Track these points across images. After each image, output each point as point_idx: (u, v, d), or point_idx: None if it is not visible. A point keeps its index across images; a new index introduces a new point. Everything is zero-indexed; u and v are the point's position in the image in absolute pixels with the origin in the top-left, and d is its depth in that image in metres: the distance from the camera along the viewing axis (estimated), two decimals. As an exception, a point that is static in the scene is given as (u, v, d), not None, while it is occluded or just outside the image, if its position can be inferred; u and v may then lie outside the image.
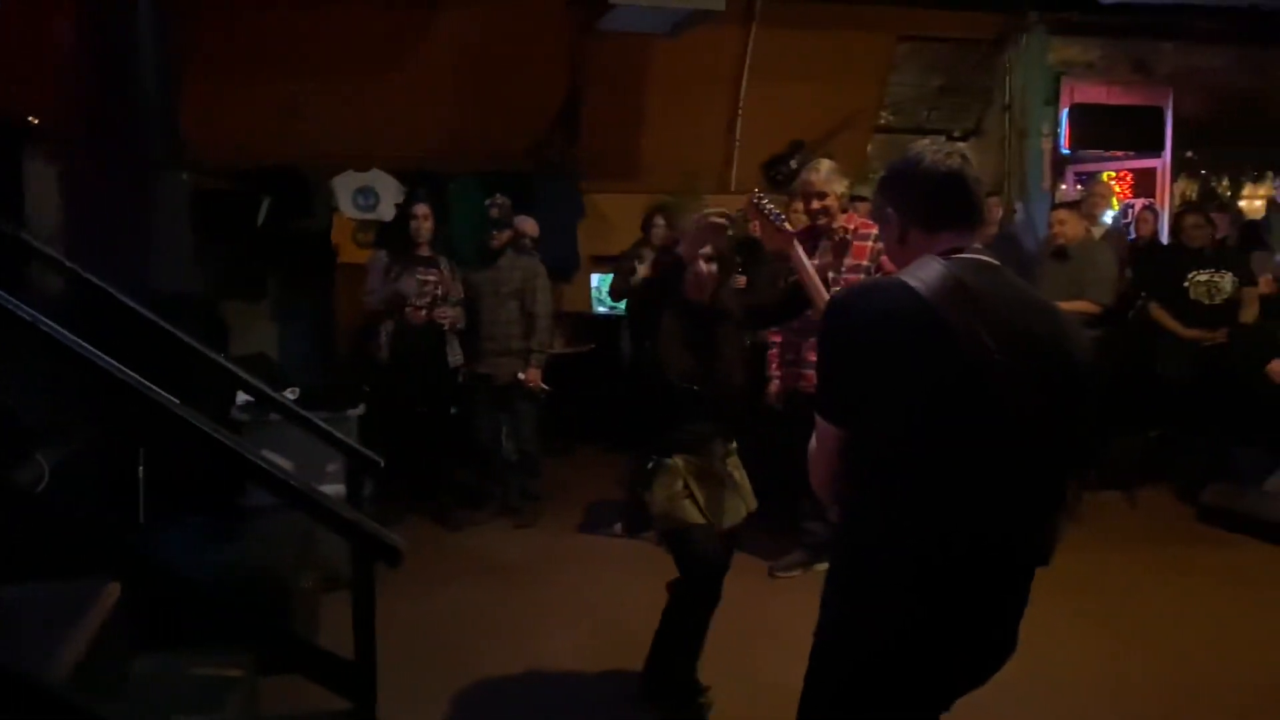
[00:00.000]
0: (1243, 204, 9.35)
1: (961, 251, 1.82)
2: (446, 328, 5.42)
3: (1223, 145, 8.97)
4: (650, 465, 3.19)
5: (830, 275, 4.37)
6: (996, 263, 1.84)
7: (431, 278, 5.41)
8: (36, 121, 5.12)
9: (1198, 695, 3.51)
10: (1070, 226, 5.85)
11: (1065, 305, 5.76)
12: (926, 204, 1.85)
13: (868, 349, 1.74)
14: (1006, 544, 1.78)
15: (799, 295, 3.46)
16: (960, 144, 1.95)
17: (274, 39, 6.28)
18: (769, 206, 3.44)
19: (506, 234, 5.63)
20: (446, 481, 5.66)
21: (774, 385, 4.69)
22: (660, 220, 6.10)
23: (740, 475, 3.35)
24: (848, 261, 4.40)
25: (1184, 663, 3.77)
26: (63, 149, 4.29)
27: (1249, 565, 4.84)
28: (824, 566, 4.77)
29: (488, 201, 6.27)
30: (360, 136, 6.78)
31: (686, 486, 3.16)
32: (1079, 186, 8.53)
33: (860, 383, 1.75)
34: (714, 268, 3.24)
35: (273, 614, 2.91)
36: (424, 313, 5.35)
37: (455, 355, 5.49)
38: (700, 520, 3.16)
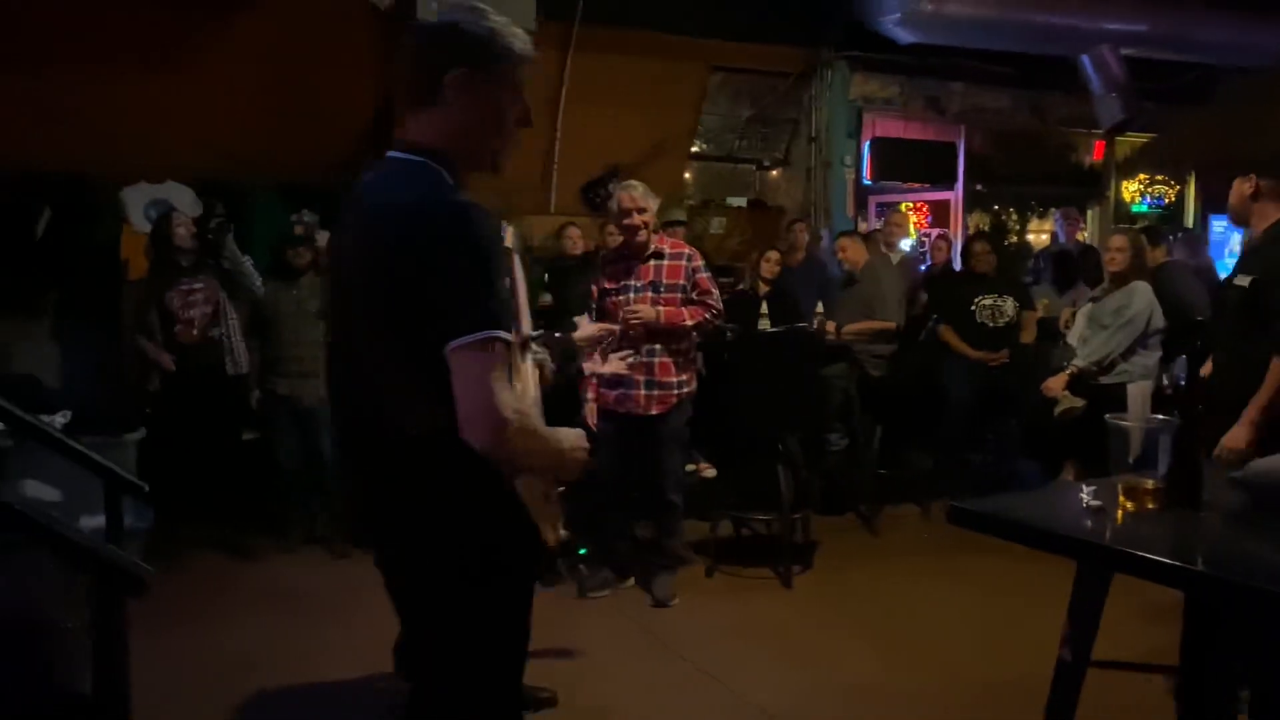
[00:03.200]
0: (1030, 237, 10.10)
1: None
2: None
3: (1008, 181, 9.68)
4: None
5: (649, 296, 4.45)
6: (391, 155, 1.87)
7: (199, 287, 5.20)
8: None
9: (976, 701, 3.68)
10: (852, 252, 6.33)
11: (860, 325, 6.11)
12: None
13: None
14: (350, 412, 1.91)
15: None
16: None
17: (51, 33, 5.87)
18: None
19: (309, 253, 5.46)
20: (241, 509, 5.38)
21: (589, 407, 4.71)
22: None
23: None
24: (665, 281, 4.47)
25: (959, 669, 3.94)
26: None
27: (1015, 572, 5.13)
28: (630, 583, 4.82)
29: (293, 217, 6.07)
30: (154, 145, 6.40)
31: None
32: (880, 216, 8.99)
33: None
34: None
35: (22, 658, 2.66)
36: (195, 330, 5.12)
37: (237, 365, 5.29)
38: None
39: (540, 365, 2.22)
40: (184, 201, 6.44)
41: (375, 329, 1.77)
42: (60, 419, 4.18)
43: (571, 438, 1.84)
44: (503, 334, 1.67)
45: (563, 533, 1.97)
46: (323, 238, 5.68)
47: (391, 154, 1.85)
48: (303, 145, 6.66)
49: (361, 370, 1.82)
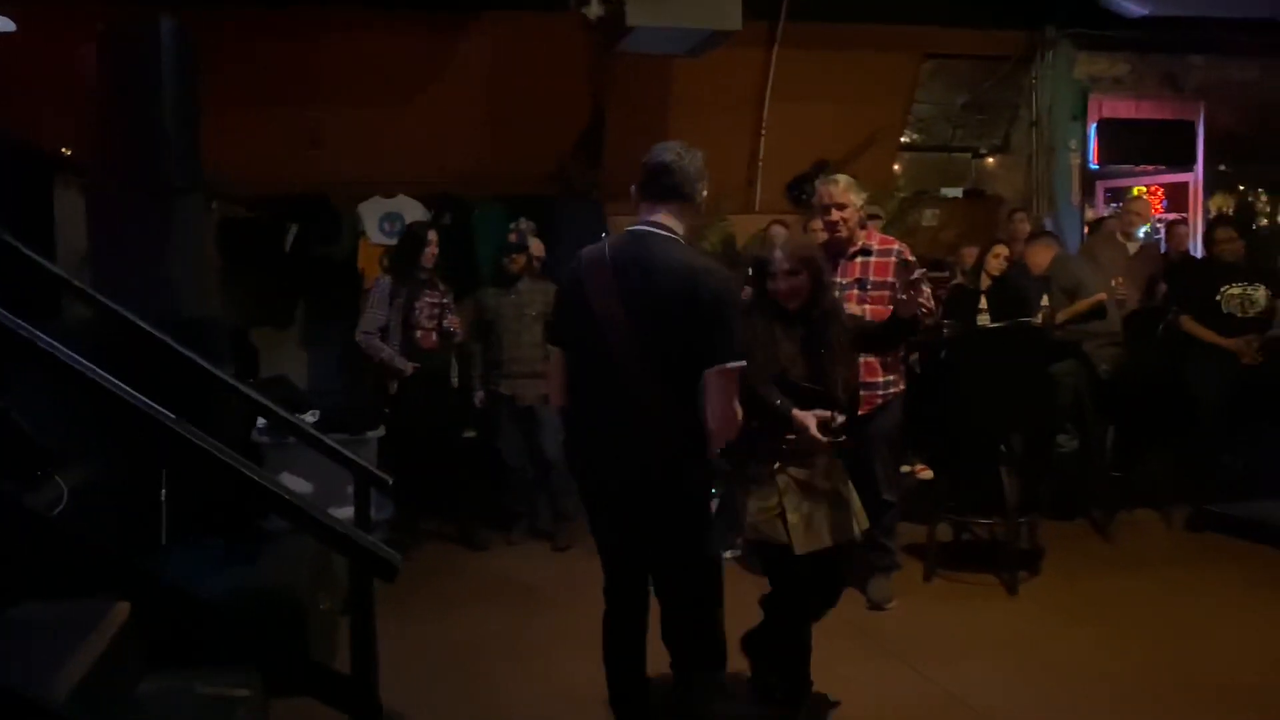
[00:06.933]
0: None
1: (641, 221, 2.80)
2: (456, 340, 5.67)
3: (1258, 159, 8.84)
4: (750, 473, 3.15)
5: (855, 294, 4.34)
6: (650, 230, 2.77)
7: (436, 299, 5.53)
8: (69, 153, 5.25)
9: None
10: (1038, 257, 6.21)
11: (1070, 310, 5.87)
12: (641, 182, 2.84)
13: (561, 299, 3.02)
14: (607, 444, 2.80)
15: (903, 325, 3.50)
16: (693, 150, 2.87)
17: (296, 67, 6.40)
18: None
19: (522, 258, 5.70)
20: (468, 503, 5.68)
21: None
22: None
23: (848, 491, 3.25)
24: (872, 278, 4.35)
25: (1201, 689, 3.64)
26: (90, 178, 4.37)
27: (1268, 585, 4.70)
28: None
29: (510, 225, 6.34)
30: (385, 163, 6.85)
31: (781, 505, 3.11)
32: (1113, 204, 8.45)
33: (559, 323, 3.01)
34: (797, 279, 3.17)
35: (284, 635, 2.92)
36: (435, 336, 5.43)
37: (454, 376, 5.61)
38: (786, 542, 3.10)
39: None
40: (414, 214, 6.86)
41: (650, 351, 2.65)
42: (310, 418, 4.54)
43: None
44: (744, 363, 2.67)
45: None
46: (535, 245, 5.89)
47: (652, 229, 2.77)
48: (519, 158, 6.95)
49: (625, 380, 2.68)
